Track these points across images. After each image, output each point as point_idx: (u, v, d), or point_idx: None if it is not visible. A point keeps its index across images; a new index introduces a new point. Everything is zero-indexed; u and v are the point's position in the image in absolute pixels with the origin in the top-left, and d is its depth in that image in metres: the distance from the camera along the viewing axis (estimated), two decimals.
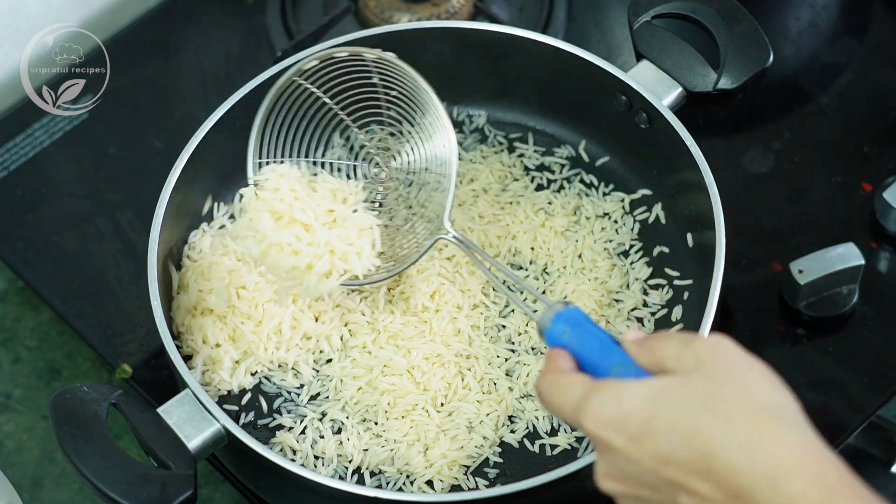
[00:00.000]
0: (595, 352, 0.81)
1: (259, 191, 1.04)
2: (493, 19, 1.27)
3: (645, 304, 1.08)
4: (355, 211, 1.05)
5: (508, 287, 1.05)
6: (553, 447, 1.03)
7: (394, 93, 1.07)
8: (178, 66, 1.30)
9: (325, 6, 1.31)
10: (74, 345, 1.18)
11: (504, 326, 1.07)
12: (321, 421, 1.04)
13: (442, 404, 1.04)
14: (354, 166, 1.11)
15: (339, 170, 1.12)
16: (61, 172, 1.23)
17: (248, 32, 1.31)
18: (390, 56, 1.04)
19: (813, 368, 1.10)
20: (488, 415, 1.03)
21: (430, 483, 1.01)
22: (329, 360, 1.06)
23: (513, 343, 1.06)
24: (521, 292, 1.07)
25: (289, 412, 1.05)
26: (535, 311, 0.95)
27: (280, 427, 1.04)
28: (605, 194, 1.14)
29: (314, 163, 1.10)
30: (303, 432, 1.04)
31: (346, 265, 1.03)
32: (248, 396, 1.05)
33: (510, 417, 1.04)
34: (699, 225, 1.06)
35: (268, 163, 1.07)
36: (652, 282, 1.09)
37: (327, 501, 0.96)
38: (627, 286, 1.09)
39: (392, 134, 1.08)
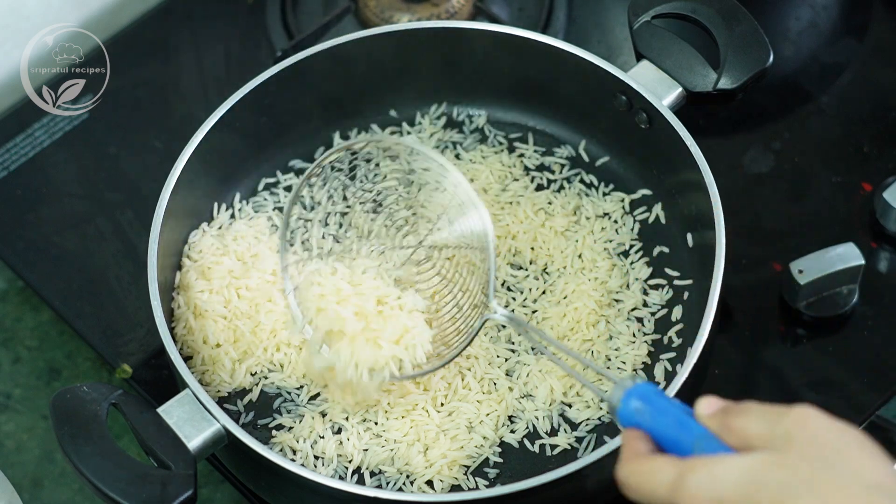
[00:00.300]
0: (672, 428, 0.79)
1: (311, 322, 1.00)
2: (493, 19, 1.27)
3: (645, 304, 1.08)
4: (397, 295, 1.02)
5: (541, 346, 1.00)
6: (553, 447, 1.03)
7: (413, 176, 1.05)
8: (178, 66, 1.30)
9: (325, 6, 1.31)
10: (74, 345, 1.18)
11: (504, 326, 1.07)
12: (321, 421, 1.04)
13: (442, 404, 1.04)
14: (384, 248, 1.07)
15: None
16: (61, 172, 1.24)
17: (248, 32, 1.31)
18: (409, 140, 1.02)
19: (813, 368, 1.10)
20: (488, 415, 1.03)
21: (430, 483, 1.01)
22: None
23: (513, 343, 1.06)
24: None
25: (289, 412, 1.05)
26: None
27: (280, 427, 1.04)
28: (605, 194, 1.14)
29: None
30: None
31: (407, 356, 0.99)
32: (248, 396, 1.05)
33: (510, 417, 1.04)
34: (699, 225, 1.06)
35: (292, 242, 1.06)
36: (652, 282, 1.09)
37: (327, 501, 0.96)
38: (627, 286, 1.09)
39: (415, 216, 1.06)
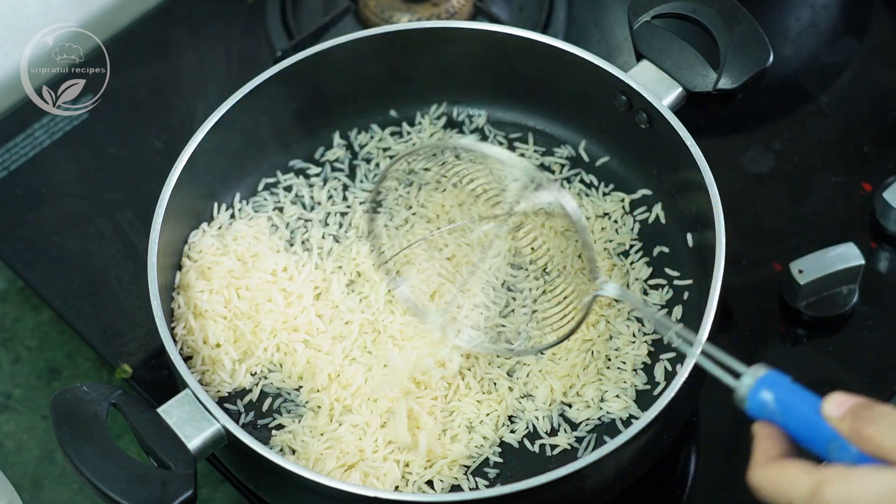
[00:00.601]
0: (804, 428, 0.78)
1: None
2: (493, 19, 1.27)
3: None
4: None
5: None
6: (553, 447, 1.02)
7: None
8: (178, 66, 1.30)
9: (325, 6, 1.31)
10: (74, 345, 1.18)
11: (504, 326, 1.07)
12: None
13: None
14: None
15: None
16: (61, 172, 1.24)
17: (248, 32, 1.31)
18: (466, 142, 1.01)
19: (813, 368, 1.10)
20: (488, 415, 1.03)
21: (430, 483, 1.01)
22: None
23: (513, 343, 1.06)
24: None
25: (289, 412, 1.05)
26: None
27: (280, 427, 1.04)
28: (605, 194, 1.14)
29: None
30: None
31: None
32: (248, 396, 1.05)
33: (510, 417, 1.04)
34: (699, 225, 1.06)
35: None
36: (652, 282, 1.09)
37: (327, 501, 0.96)
38: (627, 286, 1.09)
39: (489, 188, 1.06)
